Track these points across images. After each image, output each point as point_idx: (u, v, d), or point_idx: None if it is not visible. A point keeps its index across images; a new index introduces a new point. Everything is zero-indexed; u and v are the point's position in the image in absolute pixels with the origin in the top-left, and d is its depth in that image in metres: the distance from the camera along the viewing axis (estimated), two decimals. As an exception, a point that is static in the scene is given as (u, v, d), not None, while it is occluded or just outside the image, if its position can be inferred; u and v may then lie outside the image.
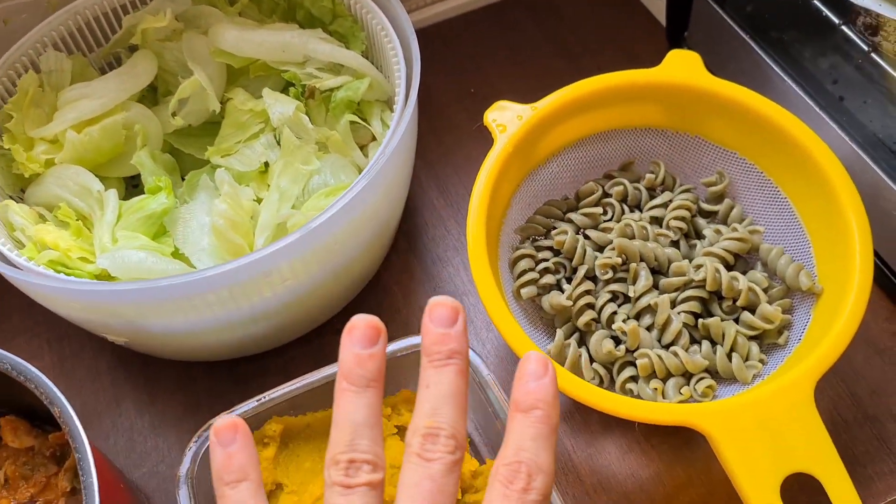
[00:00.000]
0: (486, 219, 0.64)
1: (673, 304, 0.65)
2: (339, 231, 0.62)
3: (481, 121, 0.68)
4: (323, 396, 0.63)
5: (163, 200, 0.66)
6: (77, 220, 0.68)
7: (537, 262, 0.69)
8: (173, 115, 0.73)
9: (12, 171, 0.72)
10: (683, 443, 0.65)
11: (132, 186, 0.75)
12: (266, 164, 0.71)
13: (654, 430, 0.66)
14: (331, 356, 0.58)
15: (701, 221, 0.70)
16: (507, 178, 0.67)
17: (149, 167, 0.70)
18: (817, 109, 0.73)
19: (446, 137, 0.85)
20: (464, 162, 0.83)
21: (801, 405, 0.56)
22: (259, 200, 0.68)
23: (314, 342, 0.73)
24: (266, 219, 0.66)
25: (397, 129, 0.64)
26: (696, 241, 0.69)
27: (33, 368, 0.57)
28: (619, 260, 0.66)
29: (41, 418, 0.66)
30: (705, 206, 0.71)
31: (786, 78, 0.75)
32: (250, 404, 0.61)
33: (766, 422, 0.55)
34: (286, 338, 0.72)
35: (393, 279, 0.77)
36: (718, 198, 0.71)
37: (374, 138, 0.74)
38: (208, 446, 0.58)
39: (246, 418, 0.61)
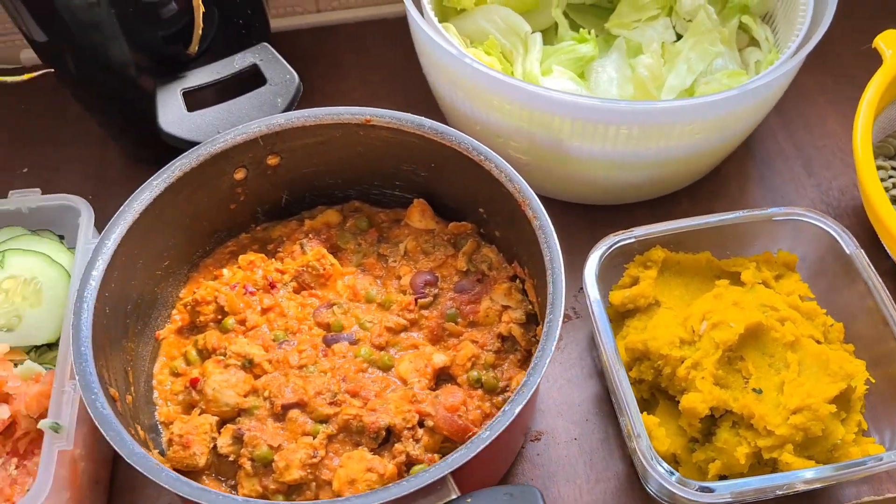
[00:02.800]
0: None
1: None
2: (750, 105, 0.72)
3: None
4: (696, 241, 0.74)
5: (590, 48, 0.77)
6: (499, 52, 0.79)
7: (889, 177, 0.78)
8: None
9: (442, 4, 0.84)
10: None
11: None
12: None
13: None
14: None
15: None
16: (884, 97, 0.77)
17: (563, 23, 0.82)
18: None
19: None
20: (798, 93, 0.93)
21: None
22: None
23: (659, 209, 0.84)
24: (673, 83, 0.77)
25: (813, 37, 0.73)
26: None
27: (488, 149, 0.67)
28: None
29: (440, 209, 0.78)
30: None
31: None
32: (647, 230, 0.72)
33: None
34: (644, 195, 0.83)
35: (730, 174, 0.87)
36: None
37: (748, 44, 0.83)
38: (610, 251, 0.70)
39: (640, 240, 0.72)
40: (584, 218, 0.83)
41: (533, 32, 0.80)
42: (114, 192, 0.74)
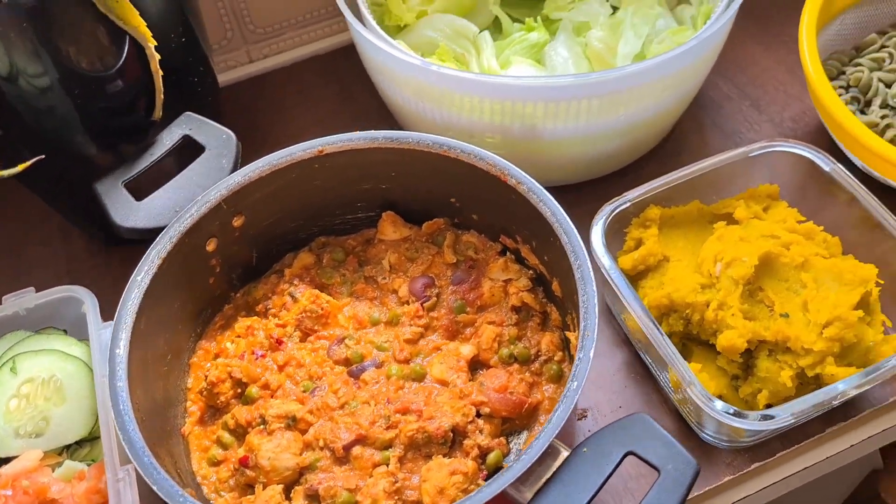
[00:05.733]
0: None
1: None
2: (702, 57, 0.75)
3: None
4: (682, 193, 0.75)
5: (540, 34, 0.80)
6: (453, 58, 0.80)
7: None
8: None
9: (384, 23, 0.84)
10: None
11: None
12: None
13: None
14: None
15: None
16: (819, 19, 0.80)
17: (505, 17, 0.84)
18: None
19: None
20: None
21: None
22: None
23: (628, 177, 0.85)
24: (625, 51, 0.79)
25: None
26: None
27: (446, 138, 0.67)
28: (916, 86, 0.78)
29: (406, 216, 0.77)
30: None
31: None
32: (637, 191, 0.73)
33: None
34: (614, 165, 0.84)
35: (687, 129, 0.90)
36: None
37: (678, 3, 0.87)
38: (610, 218, 0.71)
39: (633, 203, 0.72)
40: (562, 200, 0.82)
41: (480, 32, 0.81)
42: (96, 281, 0.74)
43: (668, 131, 0.87)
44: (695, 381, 0.61)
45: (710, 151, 0.86)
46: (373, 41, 0.74)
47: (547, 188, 0.83)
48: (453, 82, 0.71)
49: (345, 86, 1.00)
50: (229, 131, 0.72)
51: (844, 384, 0.61)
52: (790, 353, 0.64)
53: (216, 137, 0.72)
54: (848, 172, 0.71)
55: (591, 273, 0.59)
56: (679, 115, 0.85)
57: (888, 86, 0.81)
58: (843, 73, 0.83)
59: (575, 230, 0.62)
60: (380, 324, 0.72)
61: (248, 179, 0.69)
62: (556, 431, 0.53)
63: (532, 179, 0.65)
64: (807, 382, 0.64)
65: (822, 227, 0.71)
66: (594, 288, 0.58)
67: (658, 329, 0.64)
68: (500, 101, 0.71)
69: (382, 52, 0.74)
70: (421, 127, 0.80)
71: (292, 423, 0.65)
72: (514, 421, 0.66)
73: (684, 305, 0.66)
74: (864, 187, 0.70)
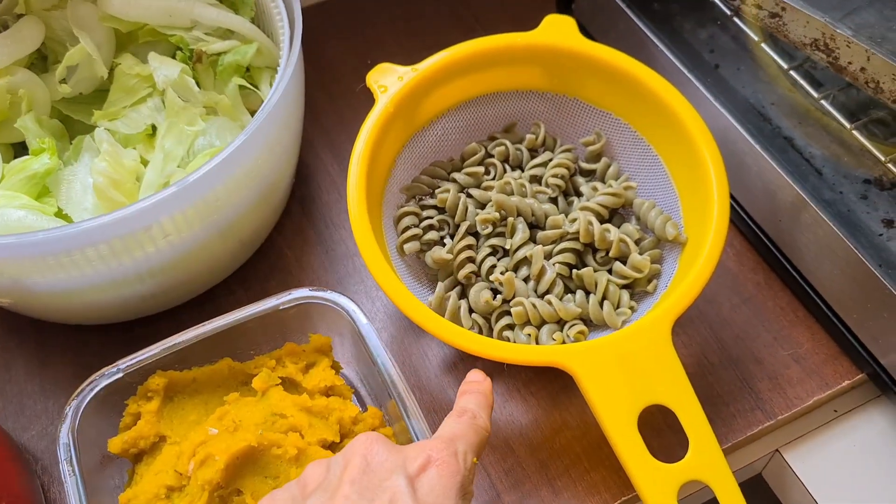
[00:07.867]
0: (368, 177, 0.66)
1: (549, 256, 0.68)
2: (220, 187, 0.63)
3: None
4: (207, 351, 0.64)
5: (45, 161, 0.66)
6: (-41, 184, 0.68)
7: (421, 220, 0.71)
8: (61, 82, 0.74)
9: None
10: (560, 390, 0.68)
11: (23, 151, 0.75)
12: (153, 128, 0.71)
13: (532, 378, 0.69)
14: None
15: (580, 179, 0.74)
16: (389, 138, 0.69)
17: (33, 131, 0.70)
18: (691, 77, 0.76)
19: (342, 106, 0.87)
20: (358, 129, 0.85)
21: (658, 343, 0.59)
22: (145, 163, 0.69)
23: (206, 305, 0.74)
24: (151, 178, 0.67)
25: (278, 88, 0.65)
26: (575, 198, 0.73)
27: None
28: (498, 215, 0.69)
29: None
30: (584, 165, 0.74)
31: (663, 48, 0.79)
32: (135, 358, 0.62)
33: (625, 358, 0.58)
34: (177, 299, 0.72)
35: (286, 243, 0.78)
36: (596, 156, 0.74)
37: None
38: (94, 393, 0.60)
39: (130, 372, 0.62)
40: (124, 338, 0.73)
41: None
42: None
43: (253, 251, 0.76)
44: None
45: (307, 274, 0.77)
46: None
47: (98, 326, 0.74)
48: None
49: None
50: None
51: None
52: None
53: None
54: (374, 331, 0.62)
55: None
56: (255, 237, 0.74)
57: (482, 206, 0.71)
58: (440, 187, 0.73)
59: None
60: None
61: None
62: None
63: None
64: None
65: (352, 396, 0.62)
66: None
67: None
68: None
69: None
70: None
71: None
72: None
73: (140, 516, 0.57)
74: (385, 351, 0.61)
